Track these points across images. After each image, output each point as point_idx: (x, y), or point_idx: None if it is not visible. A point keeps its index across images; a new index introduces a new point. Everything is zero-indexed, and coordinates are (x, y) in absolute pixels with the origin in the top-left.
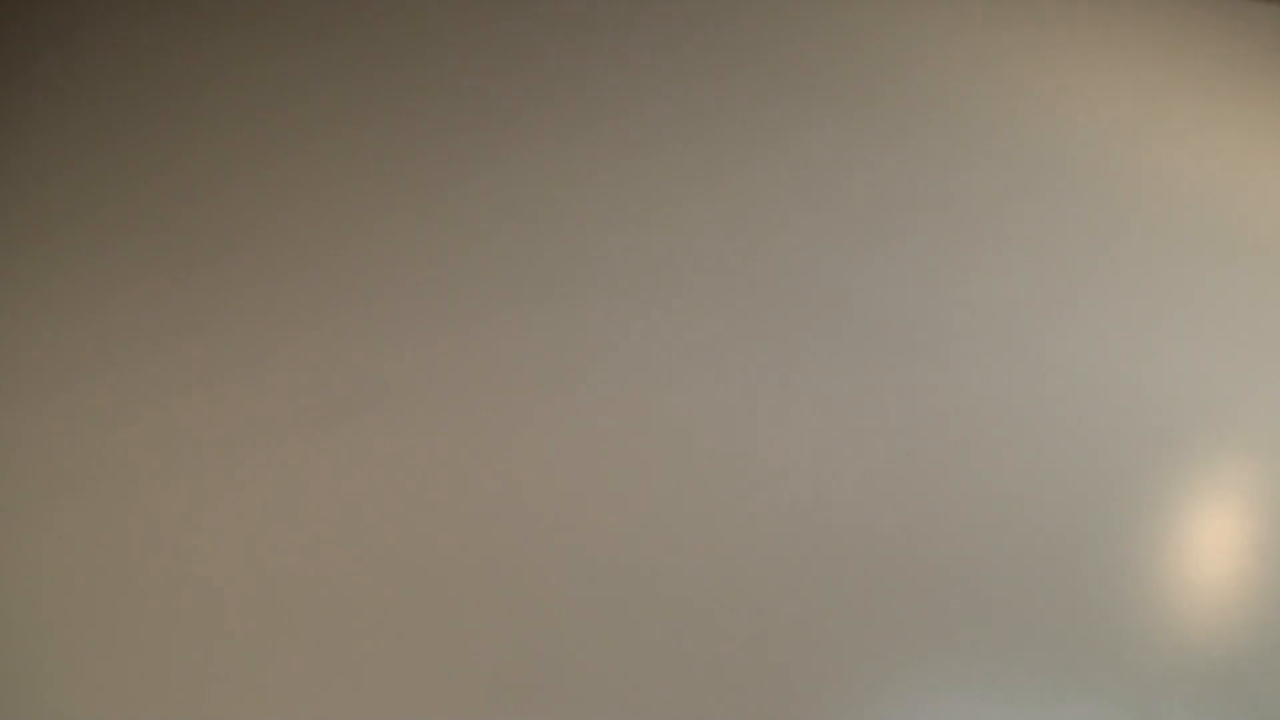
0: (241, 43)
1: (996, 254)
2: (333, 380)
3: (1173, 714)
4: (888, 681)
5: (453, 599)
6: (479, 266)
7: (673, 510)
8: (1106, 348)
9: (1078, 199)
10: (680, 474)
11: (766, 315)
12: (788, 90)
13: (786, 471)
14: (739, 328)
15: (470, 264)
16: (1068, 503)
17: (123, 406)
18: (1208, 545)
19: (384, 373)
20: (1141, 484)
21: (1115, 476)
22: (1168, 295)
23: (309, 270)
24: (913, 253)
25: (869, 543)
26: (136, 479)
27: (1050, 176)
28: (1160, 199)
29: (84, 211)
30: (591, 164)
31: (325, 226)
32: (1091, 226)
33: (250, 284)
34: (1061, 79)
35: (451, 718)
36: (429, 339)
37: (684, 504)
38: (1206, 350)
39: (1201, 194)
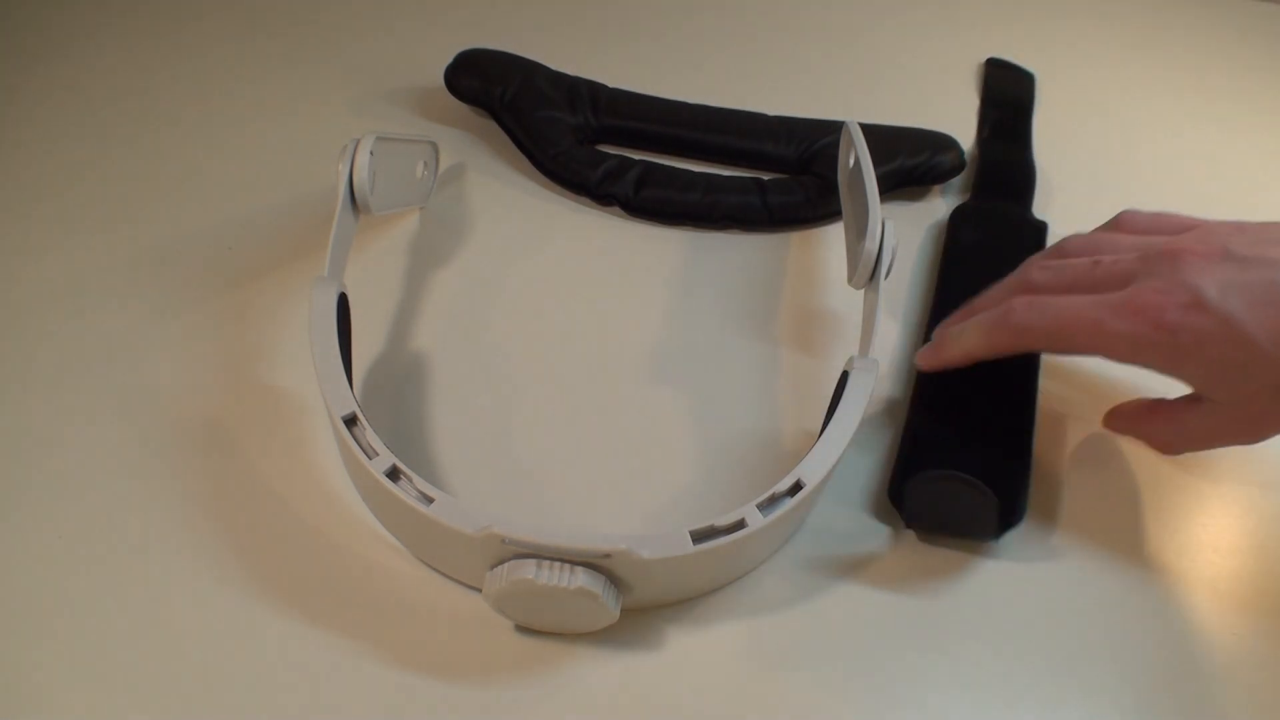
0: None
1: None
2: None
3: (1173, 714)
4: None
5: None
6: None
7: None
8: None
9: (1072, 197)
10: None
11: None
12: None
13: None
14: None
15: None
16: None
17: None
18: (1208, 545)
19: None
20: (1142, 480)
21: (1115, 471)
22: None
23: None
24: None
25: None
26: None
27: (1044, 177)
28: (1156, 199)
29: None
30: None
31: None
32: (1089, 226)
33: None
34: (1056, 77)
35: None
36: None
37: None
38: None
39: (1198, 196)
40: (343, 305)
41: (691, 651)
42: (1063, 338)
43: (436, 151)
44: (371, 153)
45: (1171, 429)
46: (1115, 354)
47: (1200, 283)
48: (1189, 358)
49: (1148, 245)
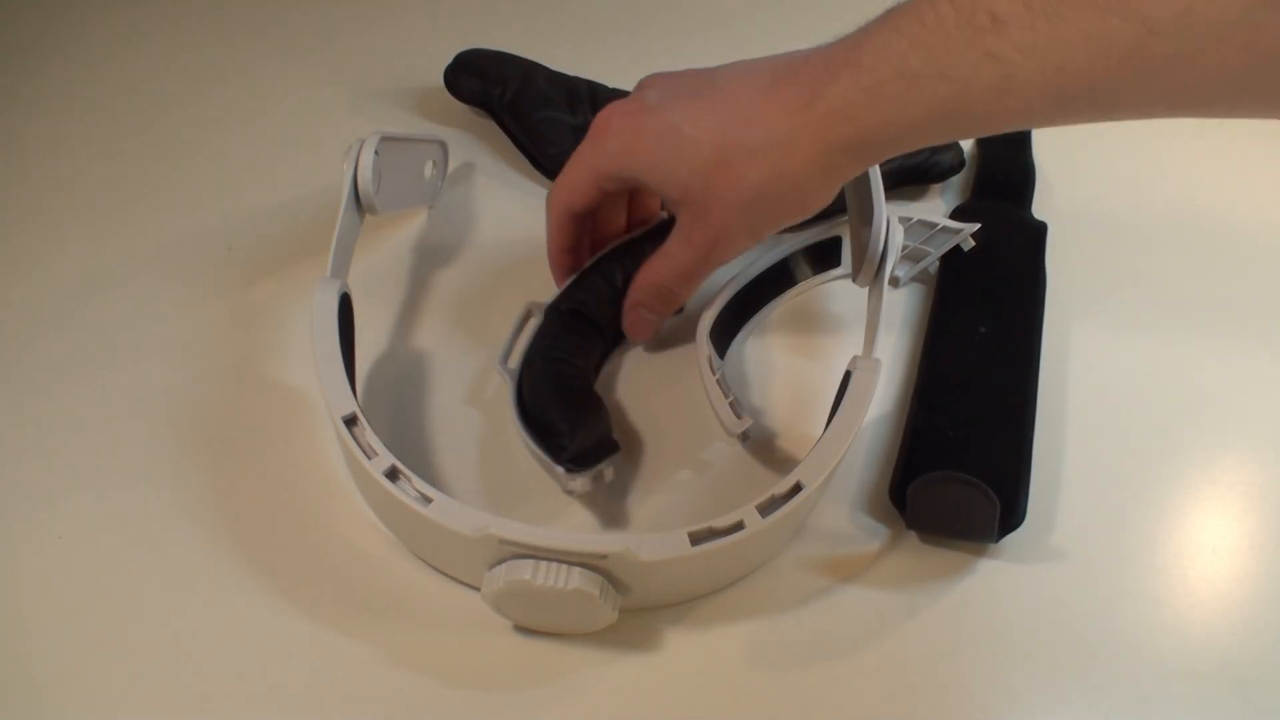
0: None
1: None
2: None
3: (1173, 714)
4: None
5: None
6: None
7: None
8: (1108, 348)
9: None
10: None
11: None
12: None
13: None
14: None
15: None
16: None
17: None
18: (1208, 545)
19: None
20: (1141, 481)
21: (1115, 472)
22: (1164, 295)
23: None
24: None
25: None
26: None
27: (1044, 177)
28: (1156, 201)
29: None
30: None
31: None
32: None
33: None
34: None
35: None
36: None
37: None
38: (1201, 349)
39: (1199, 196)
40: (345, 305)
41: (691, 653)
42: (569, 185)
43: (446, 151)
44: (377, 152)
45: (662, 265)
46: (604, 168)
47: (641, 94)
48: (642, 149)
49: None
